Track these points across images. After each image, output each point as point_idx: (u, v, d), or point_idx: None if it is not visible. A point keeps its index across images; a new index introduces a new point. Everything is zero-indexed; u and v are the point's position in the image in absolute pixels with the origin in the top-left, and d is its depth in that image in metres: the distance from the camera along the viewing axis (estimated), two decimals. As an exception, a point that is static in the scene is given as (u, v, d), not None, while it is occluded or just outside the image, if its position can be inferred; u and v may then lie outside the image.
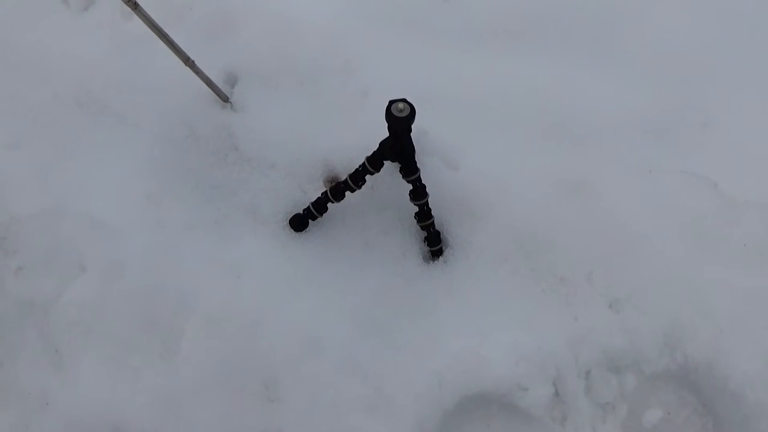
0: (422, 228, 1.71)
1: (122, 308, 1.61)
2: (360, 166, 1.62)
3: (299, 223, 1.75)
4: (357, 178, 1.64)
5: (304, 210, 1.73)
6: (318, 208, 1.71)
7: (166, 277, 1.64)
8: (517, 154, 1.83)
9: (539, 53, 2.01)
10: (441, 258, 1.75)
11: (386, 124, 1.46)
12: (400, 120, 1.42)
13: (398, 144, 1.52)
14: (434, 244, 1.74)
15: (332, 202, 1.70)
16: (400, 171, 1.59)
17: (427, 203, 1.66)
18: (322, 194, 1.69)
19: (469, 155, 1.80)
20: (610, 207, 1.77)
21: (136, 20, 1.52)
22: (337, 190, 1.67)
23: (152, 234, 1.69)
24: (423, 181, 1.61)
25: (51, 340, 1.61)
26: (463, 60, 1.97)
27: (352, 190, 1.66)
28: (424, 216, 1.69)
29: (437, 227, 1.73)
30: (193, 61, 1.70)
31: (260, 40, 1.94)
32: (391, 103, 1.42)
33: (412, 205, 1.66)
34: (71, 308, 1.61)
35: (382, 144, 1.56)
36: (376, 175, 1.61)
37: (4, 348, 1.61)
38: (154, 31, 1.57)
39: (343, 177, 1.69)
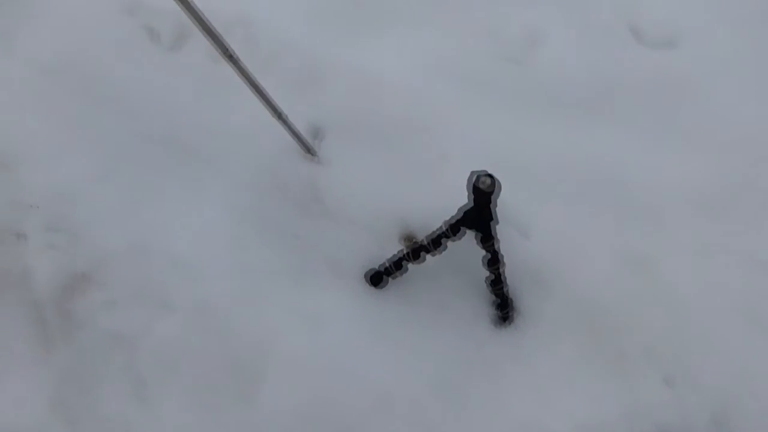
0: (494, 293, 1.94)
1: (205, 349, 1.84)
2: (440, 231, 1.84)
3: (377, 278, 1.98)
4: (436, 242, 1.86)
5: (382, 266, 1.96)
6: (396, 266, 1.94)
7: (247, 321, 1.87)
8: (584, 225, 2.05)
9: (609, 124, 2.23)
10: (510, 324, 1.97)
11: (462, 189, 1.66)
12: (485, 194, 1.64)
13: (480, 215, 1.75)
14: (504, 310, 1.97)
15: (410, 262, 1.93)
16: (477, 237, 1.82)
17: (499, 270, 1.89)
18: (401, 253, 1.92)
19: (540, 224, 2.03)
20: (670, 283, 1.99)
21: (225, 64, 1.74)
22: (416, 251, 1.90)
23: (236, 278, 1.92)
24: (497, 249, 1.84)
25: (136, 373, 1.83)
26: (535, 127, 2.19)
27: (431, 252, 1.89)
28: (496, 282, 1.92)
29: (508, 294, 1.96)
30: (284, 115, 1.93)
31: (346, 95, 2.17)
32: (478, 177, 1.64)
33: (486, 270, 1.89)
34: (157, 344, 1.84)
35: (464, 213, 1.78)
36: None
37: (90, 377, 1.84)
38: (247, 84, 1.80)
39: (420, 235, 1.92)
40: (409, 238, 2.00)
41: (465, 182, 1.63)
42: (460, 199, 1.71)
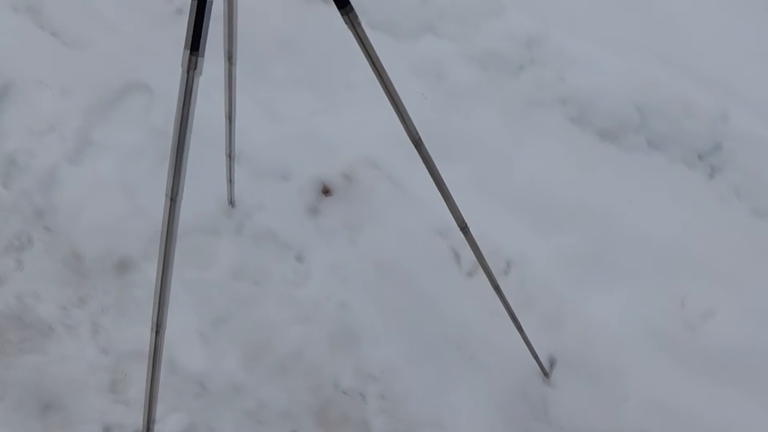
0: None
1: None
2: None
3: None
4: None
5: (580, 468, 3.64)
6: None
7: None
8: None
9: (751, 394, 3.83)
10: None
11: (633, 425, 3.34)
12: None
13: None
14: None
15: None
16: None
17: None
18: (591, 464, 3.60)
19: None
20: None
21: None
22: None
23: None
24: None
25: None
26: (694, 390, 3.80)
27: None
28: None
29: None
30: (538, 357, 3.59)
31: (576, 338, 3.82)
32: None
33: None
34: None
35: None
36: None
37: None
38: (518, 331, 3.43)
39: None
40: (596, 451, 3.67)
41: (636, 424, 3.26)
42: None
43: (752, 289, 3.90)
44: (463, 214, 2.62)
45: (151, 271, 3.70)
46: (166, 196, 2.31)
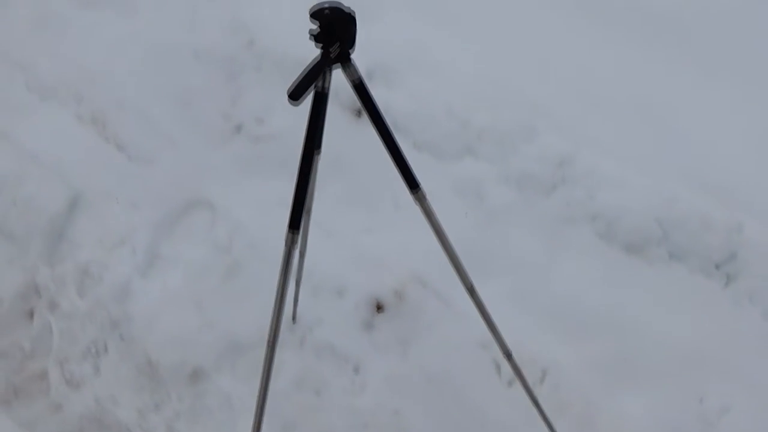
0: None
1: None
2: None
3: None
4: None
5: None
6: None
7: None
8: None
9: None
10: None
11: None
12: None
13: None
14: None
15: None
16: None
17: None
18: None
19: None
20: None
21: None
22: None
23: None
24: None
25: None
26: None
27: None
28: None
29: None
30: None
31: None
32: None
33: None
34: None
35: None
36: None
37: None
38: (548, 429, 4.07)
39: None
40: None
41: None
42: None
43: (764, 385, 4.52)
44: (500, 327, 3.23)
45: (222, 382, 4.38)
46: (267, 343, 2.99)
